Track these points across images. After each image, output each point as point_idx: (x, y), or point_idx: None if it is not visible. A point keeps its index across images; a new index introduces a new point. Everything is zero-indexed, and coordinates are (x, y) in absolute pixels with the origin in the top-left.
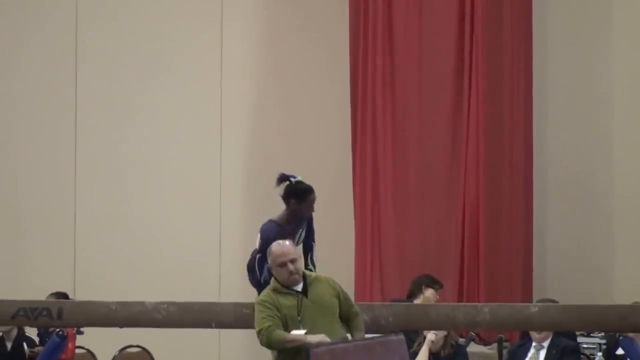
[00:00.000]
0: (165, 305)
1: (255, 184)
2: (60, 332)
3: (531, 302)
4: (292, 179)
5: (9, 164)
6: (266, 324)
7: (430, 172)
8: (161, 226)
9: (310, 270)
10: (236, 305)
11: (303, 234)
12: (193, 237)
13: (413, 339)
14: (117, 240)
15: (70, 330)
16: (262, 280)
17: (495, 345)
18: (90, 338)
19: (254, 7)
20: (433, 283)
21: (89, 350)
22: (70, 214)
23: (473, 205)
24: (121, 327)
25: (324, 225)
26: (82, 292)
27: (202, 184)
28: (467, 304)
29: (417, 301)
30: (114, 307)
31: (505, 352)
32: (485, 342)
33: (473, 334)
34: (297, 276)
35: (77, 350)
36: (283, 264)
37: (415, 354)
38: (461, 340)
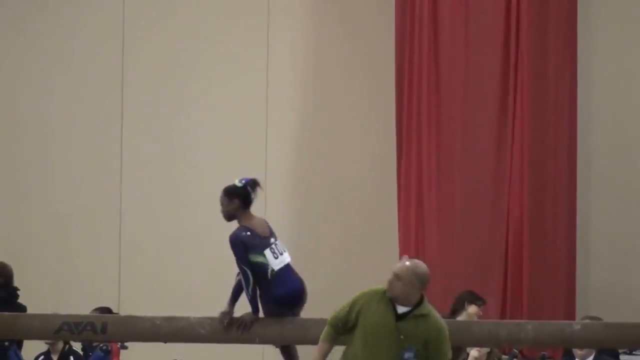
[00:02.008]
0: (209, 321)
1: (300, 195)
2: (104, 347)
3: (574, 320)
4: (238, 182)
5: (55, 177)
6: (334, 323)
7: (475, 189)
8: (207, 240)
9: None
10: (279, 320)
11: (279, 246)
12: None
13: (456, 355)
14: (162, 254)
15: (115, 345)
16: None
17: None
18: (134, 353)
19: (301, 16)
20: (476, 299)
21: None
22: (115, 228)
23: (517, 222)
24: (165, 342)
25: (367, 242)
26: (127, 307)
27: None
28: (510, 320)
29: (460, 318)
30: (158, 322)
31: None
32: (528, 359)
33: (516, 351)
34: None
35: None
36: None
37: None
38: (504, 357)
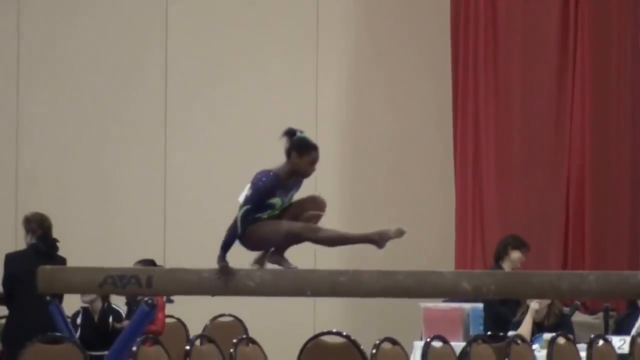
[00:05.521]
0: (259, 273)
1: (350, 157)
2: (150, 301)
3: (638, 270)
4: (299, 133)
5: (98, 131)
6: None
7: (534, 138)
8: None
9: None
10: (332, 273)
11: (293, 197)
12: None
13: (515, 308)
14: (207, 206)
15: (160, 299)
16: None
17: (601, 314)
18: (181, 307)
19: None
20: (520, 245)
21: (179, 320)
22: (160, 179)
23: (578, 172)
24: (212, 296)
25: (424, 193)
26: (172, 260)
27: None
28: (572, 272)
29: (503, 264)
30: (205, 275)
31: (611, 321)
32: (590, 312)
33: (578, 303)
34: None
35: (167, 320)
36: None
37: (519, 323)
38: (565, 310)
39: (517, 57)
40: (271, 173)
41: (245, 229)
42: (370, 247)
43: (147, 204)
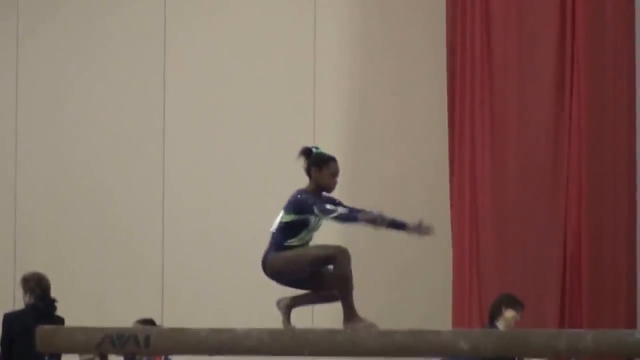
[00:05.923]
0: (257, 332)
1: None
2: None
3: (635, 327)
4: (314, 150)
5: (97, 182)
6: None
7: (530, 192)
8: (251, 247)
9: None
10: (330, 332)
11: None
12: None
13: None
14: (206, 263)
15: (158, 359)
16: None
17: None
18: None
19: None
20: (514, 304)
21: None
22: (157, 240)
23: (574, 229)
24: (210, 356)
25: (418, 252)
26: (170, 318)
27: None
28: (569, 330)
29: (498, 323)
30: (203, 335)
31: None
32: None
33: None
34: None
35: None
36: None
37: None
38: None
39: (513, 113)
40: (302, 189)
41: (330, 213)
42: (367, 306)
43: (145, 258)
